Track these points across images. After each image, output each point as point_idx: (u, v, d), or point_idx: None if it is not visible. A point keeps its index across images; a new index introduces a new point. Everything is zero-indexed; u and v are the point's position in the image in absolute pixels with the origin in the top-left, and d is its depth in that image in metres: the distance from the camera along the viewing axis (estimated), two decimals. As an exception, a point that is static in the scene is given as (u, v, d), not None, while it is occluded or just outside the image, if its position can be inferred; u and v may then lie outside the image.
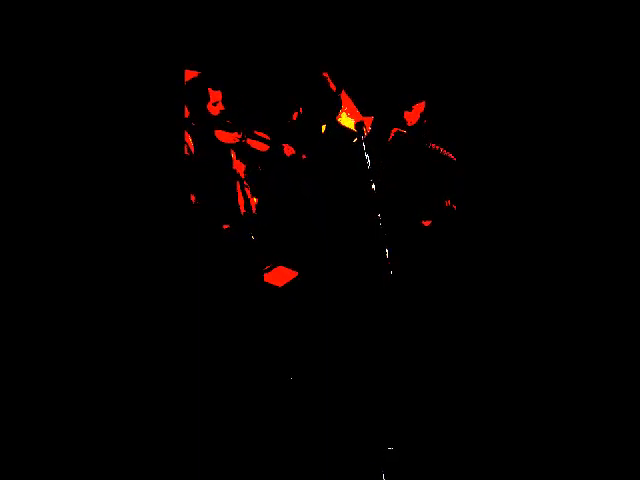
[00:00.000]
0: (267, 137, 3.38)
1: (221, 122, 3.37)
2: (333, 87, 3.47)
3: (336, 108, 3.47)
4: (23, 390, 2.56)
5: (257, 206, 3.44)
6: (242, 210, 3.36)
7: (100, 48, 3.01)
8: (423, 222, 3.47)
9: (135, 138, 3.11)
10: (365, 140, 3.16)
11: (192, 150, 3.29)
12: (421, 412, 2.85)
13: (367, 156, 3.10)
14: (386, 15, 3.36)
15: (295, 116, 3.55)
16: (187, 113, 3.35)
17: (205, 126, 3.35)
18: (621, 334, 2.91)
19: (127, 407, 2.62)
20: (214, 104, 3.35)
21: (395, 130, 3.53)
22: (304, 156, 3.36)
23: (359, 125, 3.21)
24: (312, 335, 3.19)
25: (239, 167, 3.42)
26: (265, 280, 3.25)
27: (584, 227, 3.14)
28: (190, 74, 3.30)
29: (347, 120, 3.46)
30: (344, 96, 3.45)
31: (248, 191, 3.42)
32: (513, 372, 3.00)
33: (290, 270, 3.29)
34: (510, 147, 3.33)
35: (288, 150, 3.38)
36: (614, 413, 2.73)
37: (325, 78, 3.40)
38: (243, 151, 3.40)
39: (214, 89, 3.34)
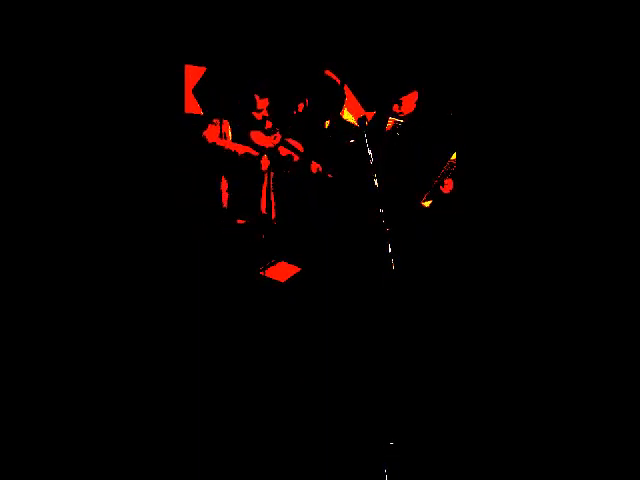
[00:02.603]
0: (301, 149, 3.42)
1: (260, 126, 3.43)
2: (337, 80, 3.43)
3: (340, 102, 3.44)
4: (23, 390, 2.62)
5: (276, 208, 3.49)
6: (263, 210, 3.41)
7: (106, 47, 3.04)
8: (422, 203, 3.45)
9: (140, 133, 3.15)
10: (367, 134, 3.14)
11: (231, 147, 3.33)
12: (421, 409, 2.86)
13: (369, 151, 3.08)
14: (384, 9, 3.30)
15: (301, 107, 3.53)
16: (198, 106, 3.38)
17: (244, 127, 3.39)
18: (621, 334, 2.88)
19: (127, 405, 2.67)
20: (259, 110, 3.42)
21: (392, 121, 3.49)
22: (330, 175, 3.39)
23: (361, 120, 3.18)
24: (313, 330, 3.21)
25: (268, 169, 3.45)
26: (267, 275, 3.27)
27: (586, 220, 3.08)
28: (191, 69, 3.29)
29: (349, 115, 3.43)
30: (346, 91, 3.41)
31: (272, 193, 3.47)
32: (513, 370, 2.99)
33: (292, 266, 3.31)
34: (510, 137, 3.27)
35: (314, 166, 3.42)
36: (614, 413, 2.72)
37: (328, 73, 3.37)
38: (275, 156, 3.44)
39: (261, 97, 3.40)
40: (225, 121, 3.37)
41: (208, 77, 3.33)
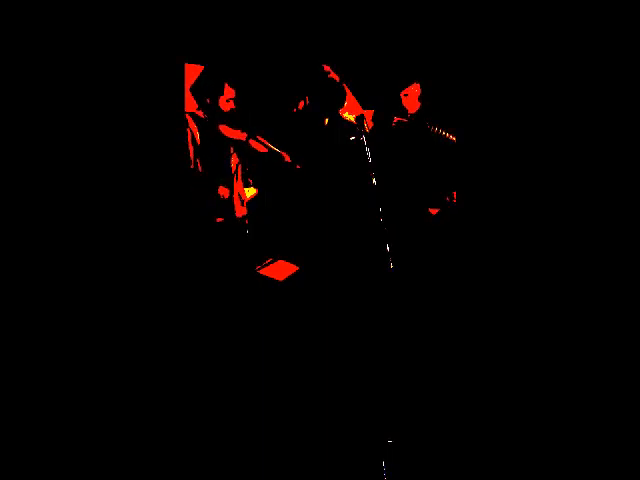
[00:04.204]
0: (267, 143, 3.36)
1: (229, 118, 3.36)
2: (336, 77, 3.44)
3: (340, 100, 3.45)
4: (24, 391, 2.61)
5: (252, 202, 3.45)
6: (236, 205, 3.37)
7: (103, 45, 3.06)
8: (431, 210, 3.44)
9: (135, 133, 3.15)
10: (366, 133, 3.14)
11: (197, 141, 3.30)
12: (421, 409, 2.83)
13: (368, 149, 3.08)
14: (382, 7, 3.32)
15: (301, 105, 3.54)
16: (195, 104, 3.36)
17: (213, 119, 3.34)
18: (621, 334, 2.85)
19: (127, 405, 2.65)
20: (227, 100, 3.36)
21: (397, 119, 3.48)
22: (298, 166, 3.34)
23: (360, 118, 3.18)
24: (312, 330, 3.19)
25: (238, 164, 3.42)
26: (266, 274, 3.26)
27: (587, 219, 3.07)
28: (191, 68, 3.31)
29: (348, 113, 3.43)
30: (346, 89, 3.42)
31: (241, 187, 3.43)
32: (513, 370, 2.96)
33: (291, 264, 3.29)
34: (514, 136, 3.26)
35: (287, 157, 3.37)
36: (614, 413, 2.68)
37: (327, 70, 3.38)
38: (244, 150, 3.39)
39: (230, 85, 3.35)
40: (188, 117, 3.30)
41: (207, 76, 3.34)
